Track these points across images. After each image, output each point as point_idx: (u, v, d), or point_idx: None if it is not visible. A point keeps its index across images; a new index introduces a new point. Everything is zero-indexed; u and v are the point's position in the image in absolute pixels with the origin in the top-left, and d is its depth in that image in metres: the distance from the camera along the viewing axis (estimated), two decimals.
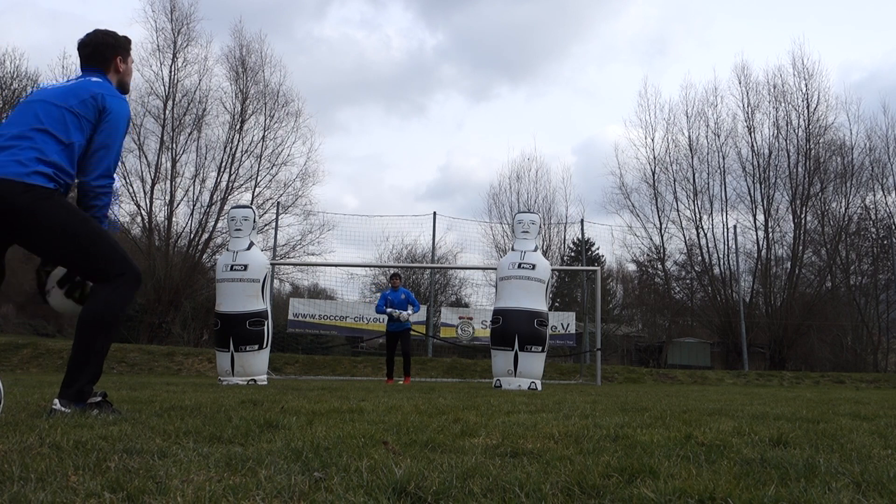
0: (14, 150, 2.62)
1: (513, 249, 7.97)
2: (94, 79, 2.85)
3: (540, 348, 7.48)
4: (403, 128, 58.00)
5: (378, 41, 55.53)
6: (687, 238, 20.08)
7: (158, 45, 18.64)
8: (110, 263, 2.69)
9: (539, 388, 7.30)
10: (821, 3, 49.28)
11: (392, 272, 10.54)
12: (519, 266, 7.67)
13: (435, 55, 59.11)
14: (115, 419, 2.41)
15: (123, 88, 3.02)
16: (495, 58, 55.81)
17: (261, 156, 19.36)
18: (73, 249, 2.65)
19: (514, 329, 7.40)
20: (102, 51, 2.92)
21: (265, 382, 7.58)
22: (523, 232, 7.96)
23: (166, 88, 18.47)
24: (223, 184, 18.78)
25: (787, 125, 19.74)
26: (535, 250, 7.89)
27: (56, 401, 2.54)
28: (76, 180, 2.77)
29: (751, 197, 19.67)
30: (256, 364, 7.65)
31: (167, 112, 18.32)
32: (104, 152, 2.76)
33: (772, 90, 20.11)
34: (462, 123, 60.64)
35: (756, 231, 19.61)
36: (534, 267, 7.68)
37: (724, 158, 20.01)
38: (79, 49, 2.94)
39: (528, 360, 7.37)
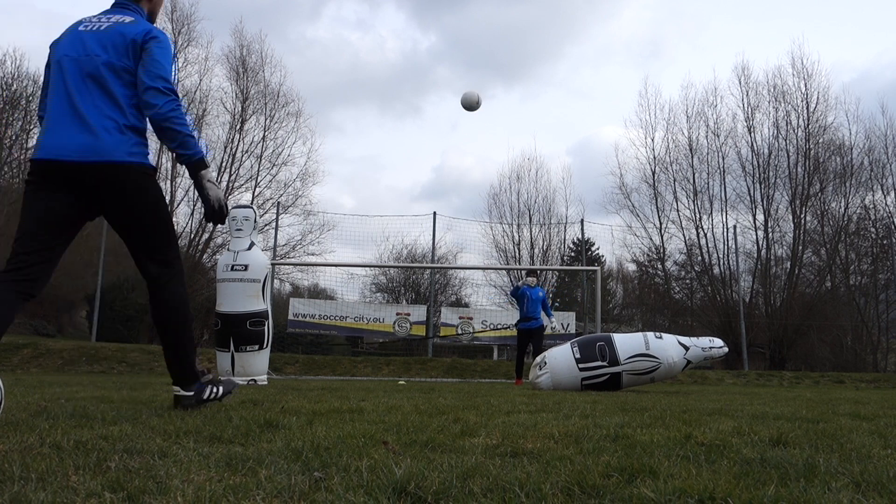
0: (105, 128, 2.58)
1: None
2: (127, 18, 2.79)
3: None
4: (398, 128, 57.82)
5: (372, 42, 55.40)
6: (687, 238, 20.11)
7: None
8: (173, 248, 2.83)
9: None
10: (820, 3, 49.27)
11: (528, 271, 10.77)
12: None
13: (428, 56, 58.98)
14: (228, 391, 2.89)
15: (152, 17, 3.03)
16: (489, 59, 55.70)
17: (261, 156, 19.40)
18: (156, 230, 2.73)
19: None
20: None
21: (265, 382, 7.58)
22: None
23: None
24: (223, 184, 18.79)
25: (786, 125, 19.76)
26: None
27: (178, 388, 2.77)
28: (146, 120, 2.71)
29: (751, 197, 19.70)
30: (257, 364, 7.65)
31: None
32: (149, 71, 2.65)
33: (771, 90, 20.13)
34: (456, 124, 60.63)
35: (756, 231, 19.64)
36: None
37: (723, 158, 20.04)
38: None
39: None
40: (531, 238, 21.91)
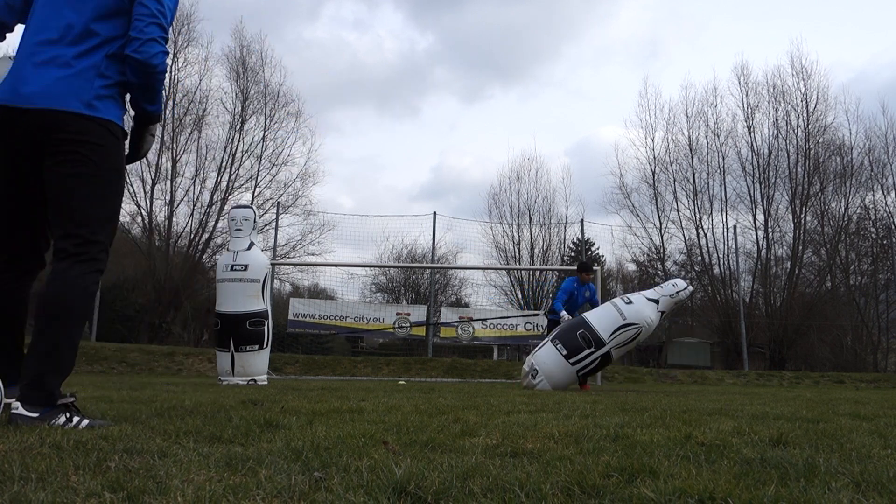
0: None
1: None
2: None
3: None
4: (397, 128, 57.93)
5: (370, 42, 55.48)
6: (687, 238, 20.12)
7: None
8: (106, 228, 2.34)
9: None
10: (819, 3, 49.32)
11: (582, 261, 9.31)
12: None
13: (426, 57, 59.07)
14: (91, 426, 2.07)
15: None
16: (487, 60, 55.83)
17: (261, 156, 19.40)
18: (90, 196, 2.26)
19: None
20: None
21: (265, 382, 7.59)
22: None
23: (167, 89, 18.48)
24: (223, 184, 18.82)
25: (786, 125, 19.79)
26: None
27: (18, 404, 2.04)
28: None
29: (751, 197, 19.71)
30: (257, 364, 7.66)
31: (167, 112, 18.33)
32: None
33: (771, 90, 20.16)
34: (455, 124, 60.57)
35: (756, 231, 19.66)
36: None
37: (723, 158, 20.07)
38: None
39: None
40: (531, 238, 21.93)
